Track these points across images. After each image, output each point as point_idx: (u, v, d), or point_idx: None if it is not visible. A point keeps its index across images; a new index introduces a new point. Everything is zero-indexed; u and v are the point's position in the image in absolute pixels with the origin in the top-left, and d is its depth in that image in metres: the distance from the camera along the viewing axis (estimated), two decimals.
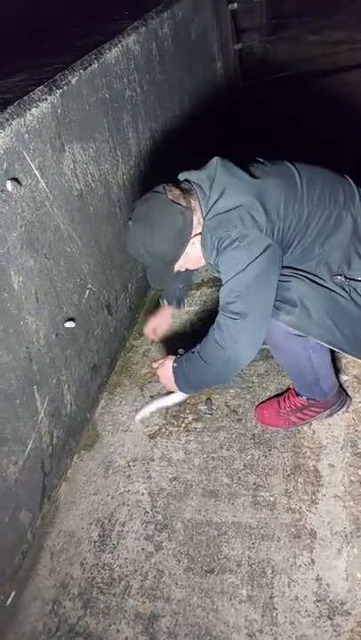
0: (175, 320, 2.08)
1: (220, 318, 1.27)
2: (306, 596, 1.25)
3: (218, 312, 1.28)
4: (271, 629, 1.21)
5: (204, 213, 1.30)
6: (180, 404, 1.72)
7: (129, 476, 1.62)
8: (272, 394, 1.73)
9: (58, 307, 1.51)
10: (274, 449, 1.58)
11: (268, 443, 1.60)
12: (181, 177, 1.37)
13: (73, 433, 1.70)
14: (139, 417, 1.72)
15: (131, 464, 1.65)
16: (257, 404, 1.71)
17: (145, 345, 2.09)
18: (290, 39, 4.28)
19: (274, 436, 1.61)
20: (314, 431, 1.60)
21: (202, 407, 1.76)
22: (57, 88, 1.43)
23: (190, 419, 1.74)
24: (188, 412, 1.76)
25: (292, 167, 1.34)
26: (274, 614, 1.24)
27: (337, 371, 1.63)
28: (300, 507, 1.42)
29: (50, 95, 1.39)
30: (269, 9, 4.09)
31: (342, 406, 1.59)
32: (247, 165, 1.33)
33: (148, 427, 1.75)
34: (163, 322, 1.82)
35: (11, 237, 1.26)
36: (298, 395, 1.55)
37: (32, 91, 1.35)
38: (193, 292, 2.24)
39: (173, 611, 1.29)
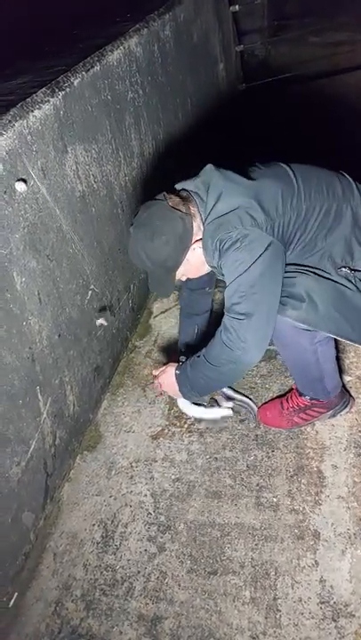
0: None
1: (226, 320, 1.27)
2: (310, 597, 1.25)
3: (223, 314, 1.29)
4: (275, 631, 1.21)
5: (204, 219, 1.32)
6: (224, 419, 1.69)
7: (132, 476, 1.62)
8: (275, 395, 1.73)
9: (60, 307, 1.52)
10: (277, 450, 1.58)
11: (271, 444, 1.60)
12: (178, 187, 1.40)
13: (76, 434, 1.70)
14: (189, 410, 1.70)
15: (133, 465, 1.65)
16: (260, 404, 1.71)
17: (147, 346, 2.09)
18: (291, 41, 4.28)
19: (277, 437, 1.61)
20: (317, 432, 1.59)
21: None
22: (59, 90, 1.43)
23: (193, 419, 1.73)
24: None
25: (285, 167, 1.36)
26: (277, 616, 1.23)
27: (340, 371, 1.62)
28: (304, 508, 1.42)
29: (52, 97, 1.39)
30: (271, 11, 4.09)
31: (346, 407, 1.59)
32: (242, 169, 1.34)
33: (150, 427, 1.75)
34: (168, 380, 1.57)
35: (13, 239, 1.26)
36: (301, 395, 1.55)
37: (35, 93, 1.35)
38: None
39: (176, 612, 1.29)
